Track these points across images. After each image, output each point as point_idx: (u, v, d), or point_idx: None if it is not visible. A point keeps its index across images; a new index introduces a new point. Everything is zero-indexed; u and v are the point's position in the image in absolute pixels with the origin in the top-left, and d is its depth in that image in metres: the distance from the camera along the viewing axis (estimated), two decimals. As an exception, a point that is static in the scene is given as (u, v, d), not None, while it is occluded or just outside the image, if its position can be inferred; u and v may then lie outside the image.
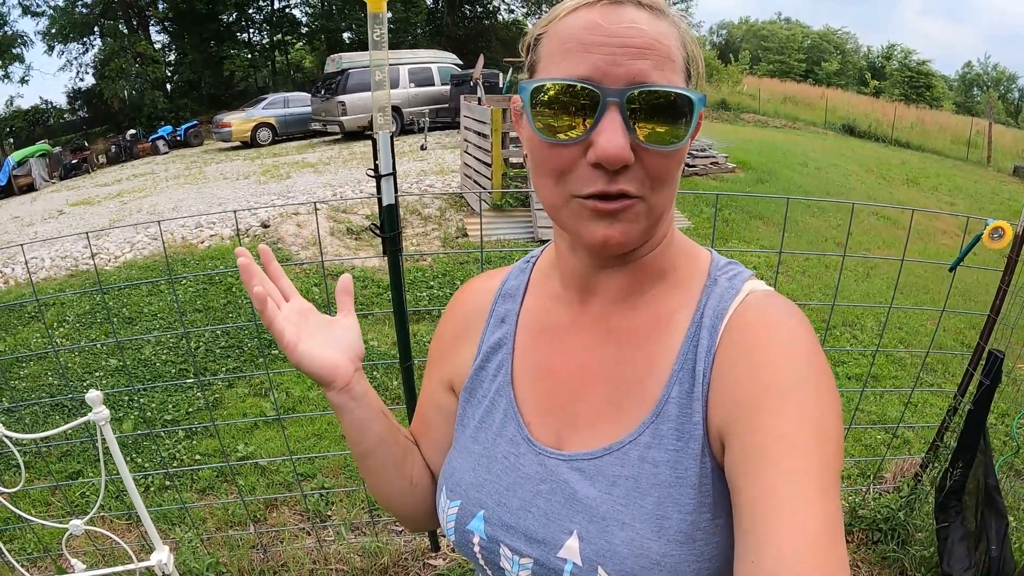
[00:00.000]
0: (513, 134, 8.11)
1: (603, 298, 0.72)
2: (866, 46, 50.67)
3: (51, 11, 24.56)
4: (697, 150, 10.85)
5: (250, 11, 28.26)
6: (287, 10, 29.77)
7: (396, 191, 2.00)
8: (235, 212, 2.44)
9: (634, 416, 0.67)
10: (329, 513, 3.08)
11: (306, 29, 30.31)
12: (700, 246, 0.75)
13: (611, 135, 0.58)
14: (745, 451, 0.58)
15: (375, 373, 4.52)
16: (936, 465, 2.72)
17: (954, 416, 2.64)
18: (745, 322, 0.65)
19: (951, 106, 38.85)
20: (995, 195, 13.62)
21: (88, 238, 1.91)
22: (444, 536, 0.81)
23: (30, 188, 15.25)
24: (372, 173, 1.96)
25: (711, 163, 10.98)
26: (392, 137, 1.96)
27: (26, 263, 2.71)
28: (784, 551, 0.52)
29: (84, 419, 2.03)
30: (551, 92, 0.61)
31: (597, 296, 0.72)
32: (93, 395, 2.03)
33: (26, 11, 24.46)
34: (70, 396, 4.08)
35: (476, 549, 0.74)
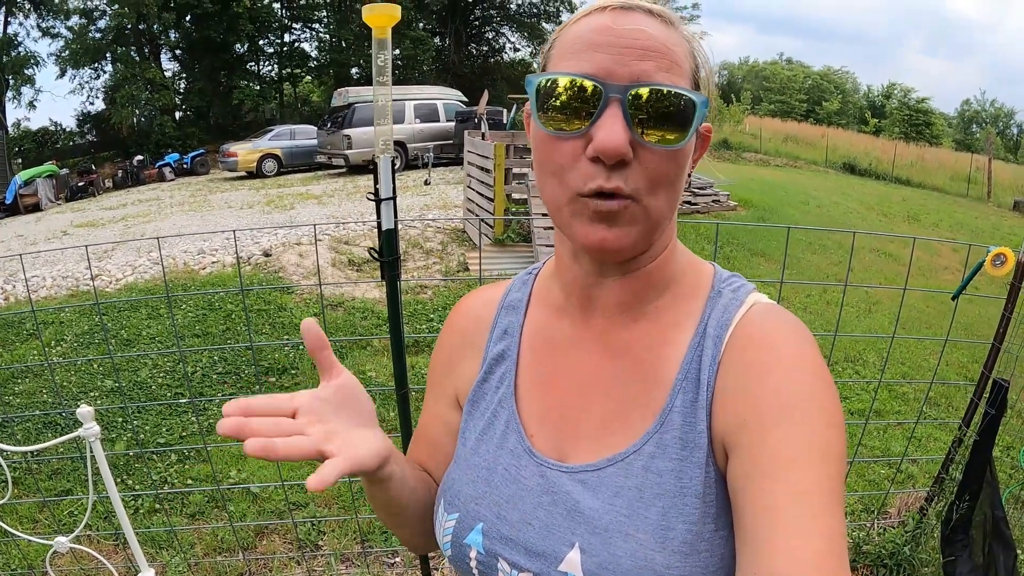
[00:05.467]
0: (516, 170, 8.18)
1: (606, 310, 0.71)
2: (866, 85, 51.34)
3: (66, 33, 25.01)
4: (699, 188, 10.91)
5: (261, 43, 28.73)
6: (297, 44, 30.31)
7: (396, 216, 1.99)
8: (234, 232, 2.44)
9: (637, 427, 0.67)
10: (320, 543, 3.02)
11: (315, 63, 30.78)
12: (703, 259, 0.75)
13: (610, 129, 0.59)
14: (749, 465, 0.58)
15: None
16: (942, 498, 2.67)
17: (959, 448, 2.60)
18: (749, 333, 0.65)
19: (950, 143, 39.21)
20: (996, 230, 13.67)
21: (87, 252, 1.90)
22: (441, 552, 0.77)
23: (36, 208, 15.35)
24: (372, 197, 1.96)
25: (713, 201, 11.03)
26: (393, 162, 1.96)
27: (25, 279, 2.70)
28: (787, 568, 0.51)
29: (74, 434, 2.01)
30: (556, 86, 0.62)
31: (600, 308, 0.72)
32: (84, 410, 2.00)
33: (45, 32, 24.87)
34: (60, 412, 4.04)
35: (473, 564, 0.71)
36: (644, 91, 0.59)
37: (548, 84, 0.62)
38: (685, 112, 0.61)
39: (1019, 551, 2.41)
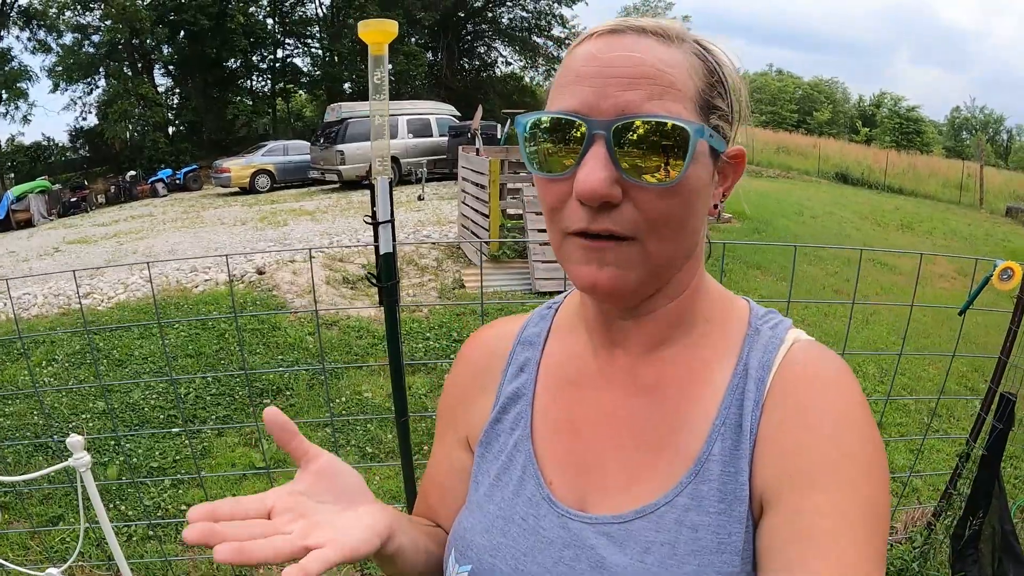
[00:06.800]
0: (511, 185, 8.19)
1: (630, 348, 0.67)
2: (857, 95, 51.66)
3: (58, 49, 24.96)
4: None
5: (254, 58, 28.79)
6: (290, 59, 30.40)
7: (394, 239, 1.95)
8: (227, 256, 2.39)
9: (668, 476, 0.62)
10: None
11: (308, 78, 30.86)
12: (736, 295, 0.71)
13: (591, 168, 0.55)
14: (791, 528, 0.54)
15: (369, 426, 4.41)
16: (950, 513, 2.64)
17: (967, 462, 2.58)
18: (794, 376, 0.61)
19: (941, 151, 39.52)
20: (989, 236, 13.74)
21: (75, 276, 1.86)
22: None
23: (28, 224, 15.26)
24: (370, 220, 1.92)
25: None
26: (391, 184, 1.92)
27: (11, 299, 2.64)
28: None
29: (64, 464, 1.96)
30: (542, 126, 0.59)
31: (622, 346, 0.67)
32: (74, 440, 1.95)
33: (39, 46, 24.80)
34: (51, 436, 3.97)
35: None
36: (630, 124, 0.55)
37: (535, 124, 0.60)
38: (678, 143, 0.55)
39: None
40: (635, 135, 0.55)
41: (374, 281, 1.95)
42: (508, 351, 0.77)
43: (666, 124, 0.55)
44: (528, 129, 0.61)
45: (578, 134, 0.57)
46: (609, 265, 0.58)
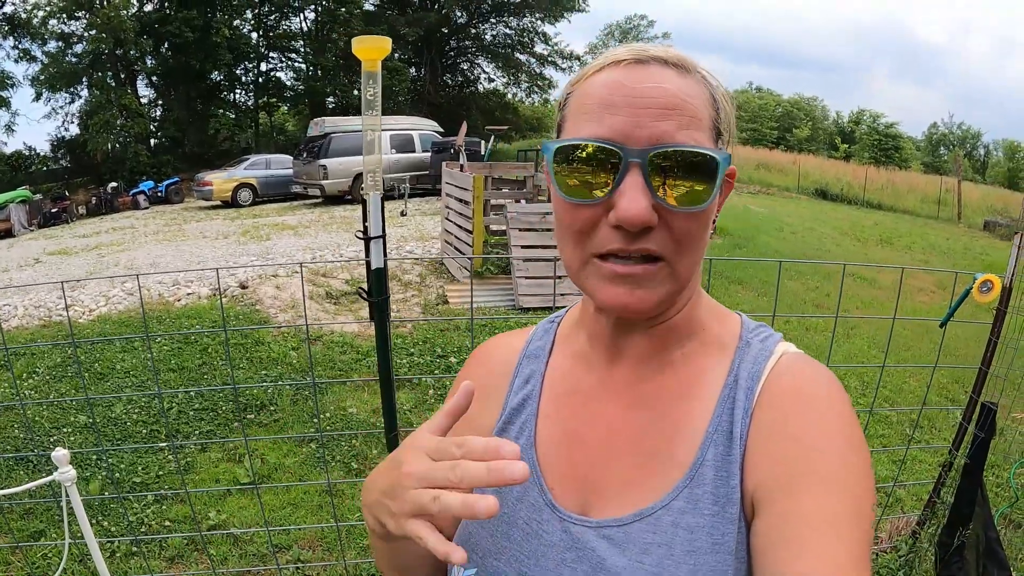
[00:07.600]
0: (495, 201, 8.22)
1: (630, 360, 0.70)
2: (835, 112, 52.34)
3: (43, 58, 24.64)
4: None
5: (238, 72, 28.69)
6: (273, 73, 30.32)
7: (385, 255, 1.95)
8: (217, 270, 2.39)
9: (665, 480, 0.64)
10: (306, 585, 2.93)
11: (291, 92, 30.78)
12: (729, 309, 0.74)
13: (633, 197, 0.58)
14: (781, 528, 0.56)
15: (354, 441, 4.39)
16: (933, 522, 2.67)
17: (950, 471, 2.61)
18: (781, 387, 0.64)
19: (919, 166, 40.18)
20: (967, 250, 13.97)
21: (63, 288, 1.84)
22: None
23: (8, 234, 15.05)
24: (361, 235, 1.92)
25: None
26: (383, 199, 1.92)
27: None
28: None
29: (49, 478, 1.93)
30: (574, 152, 0.60)
31: (624, 358, 0.70)
32: (59, 454, 1.93)
33: (23, 54, 24.48)
34: (33, 450, 3.90)
35: None
36: (666, 154, 0.58)
37: (565, 150, 0.61)
38: (708, 171, 0.59)
39: (1013, 571, 2.41)
40: (668, 163, 0.58)
41: (365, 296, 1.95)
42: (515, 363, 0.80)
43: (699, 154, 0.59)
44: (558, 155, 0.62)
45: (612, 162, 0.59)
46: (641, 288, 0.61)
